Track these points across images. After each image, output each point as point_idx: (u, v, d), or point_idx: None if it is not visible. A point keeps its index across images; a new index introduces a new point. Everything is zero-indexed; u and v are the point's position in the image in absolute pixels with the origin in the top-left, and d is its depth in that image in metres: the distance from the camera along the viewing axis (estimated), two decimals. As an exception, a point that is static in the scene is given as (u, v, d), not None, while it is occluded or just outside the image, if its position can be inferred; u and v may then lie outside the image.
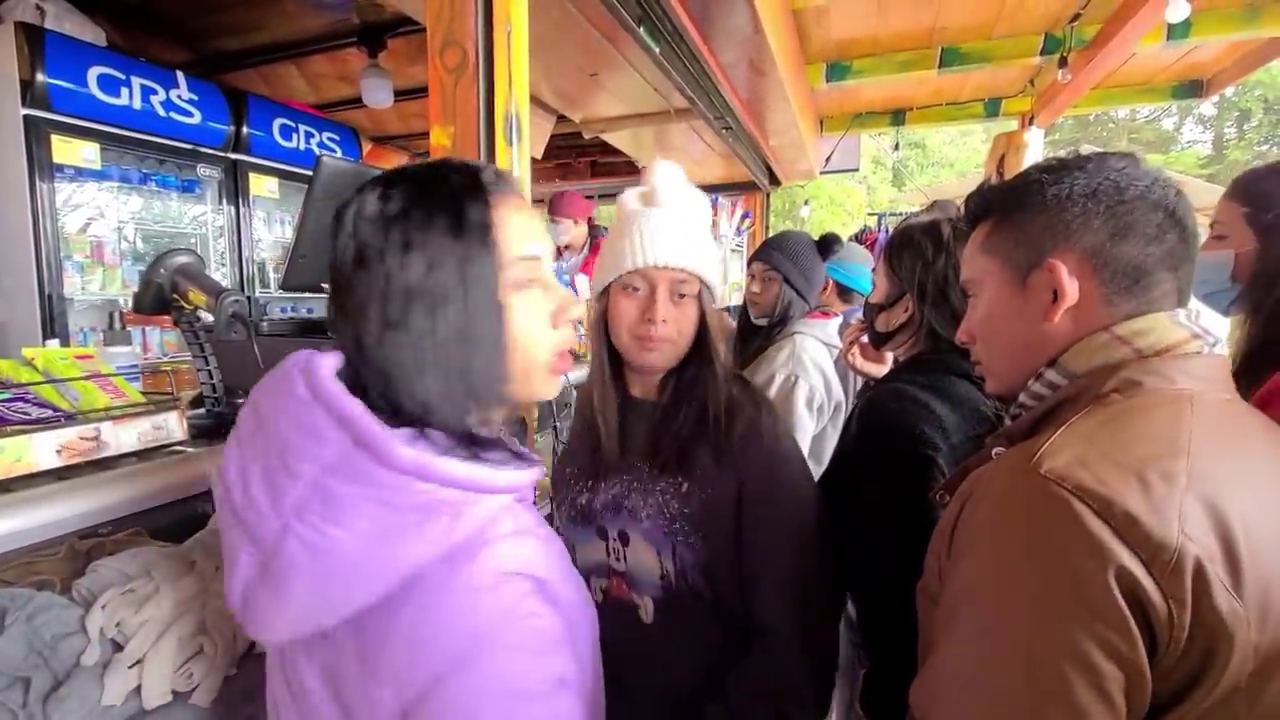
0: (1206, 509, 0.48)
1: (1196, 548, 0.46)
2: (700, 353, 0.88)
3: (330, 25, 2.59)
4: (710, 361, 0.88)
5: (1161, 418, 0.53)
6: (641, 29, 1.72)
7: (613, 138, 3.07)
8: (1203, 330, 0.59)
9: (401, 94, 2.93)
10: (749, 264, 1.79)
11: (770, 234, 3.04)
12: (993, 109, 3.74)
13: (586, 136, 3.02)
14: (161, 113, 2.68)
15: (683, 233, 0.85)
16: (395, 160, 4.23)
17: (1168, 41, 2.61)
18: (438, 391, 0.49)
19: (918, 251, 0.97)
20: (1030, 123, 3.51)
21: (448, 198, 0.51)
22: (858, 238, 4.16)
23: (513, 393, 0.55)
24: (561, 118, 2.88)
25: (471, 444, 0.50)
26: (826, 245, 1.79)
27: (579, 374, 1.70)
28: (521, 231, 0.54)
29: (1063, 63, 2.71)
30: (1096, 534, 0.47)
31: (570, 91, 2.48)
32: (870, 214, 8.29)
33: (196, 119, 2.82)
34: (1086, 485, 0.48)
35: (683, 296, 0.85)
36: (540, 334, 0.56)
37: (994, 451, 0.63)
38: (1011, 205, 0.65)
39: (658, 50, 1.86)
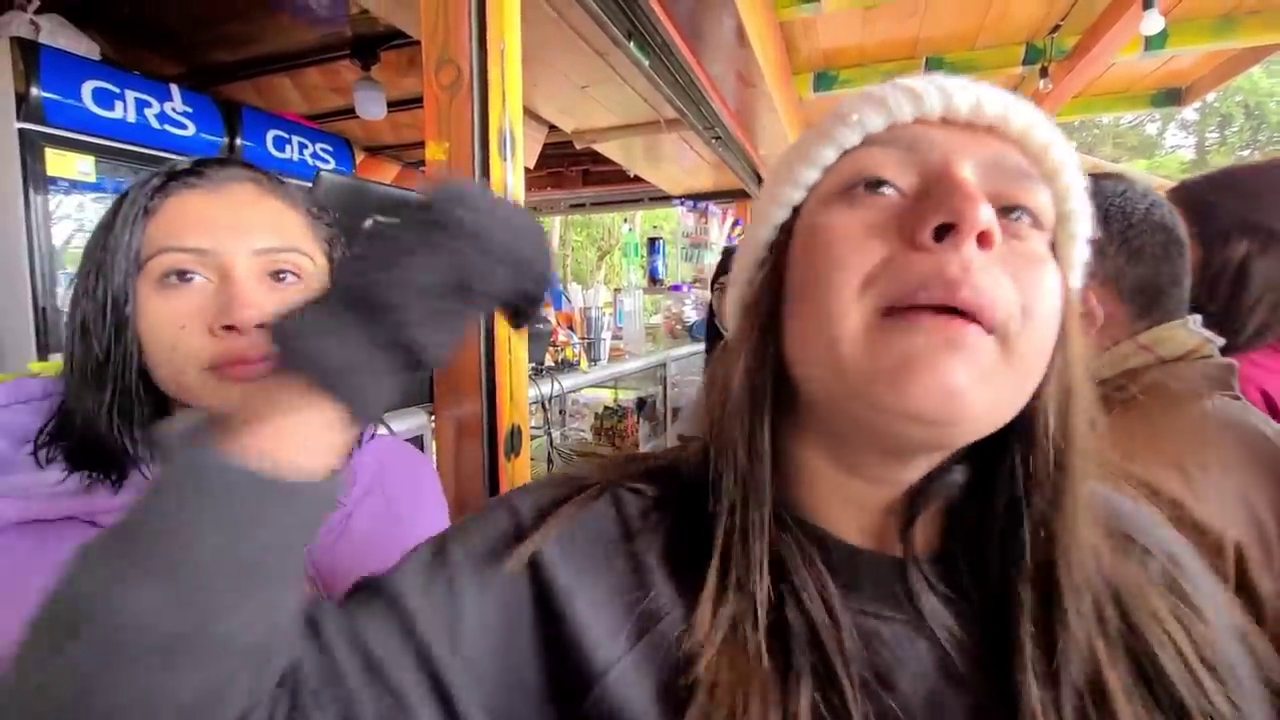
0: (1239, 497, 0.53)
1: (1236, 532, 0.51)
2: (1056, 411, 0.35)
3: (323, 38, 2.61)
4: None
5: (1188, 415, 0.59)
6: (631, 43, 1.76)
7: (604, 147, 3.10)
8: (1211, 336, 0.64)
9: (394, 105, 2.95)
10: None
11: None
12: (977, 117, 3.80)
13: (578, 146, 3.05)
14: (156, 125, 2.69)
15: (1027, 105, 0.37)
16: (388, 170, 4.25)
17: (1145, 52, 2.67)
18: (73, 384, 0.49)
19: None
20: (1014, 130, 3.57)
21: (135, 184, 0.51)
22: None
23: (174, 392, 0.50)
24: (553, 128, 2.91)
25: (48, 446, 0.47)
26: None
27: (579, 379, 1.72)
28: (191, 222, 0.49)
29: (1044, 73, 2.77)
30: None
31: (562, 103, 2.51)
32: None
33: (190, 131, 2.84)
34: (1133, 473, 0.52)
35: (1017, 217, 0.34)
36: (175, 337, 0.48)
37: None
38: None
39: (647, 63, 1.89)
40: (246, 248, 0.50)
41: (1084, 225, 0.37)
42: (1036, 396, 0.34)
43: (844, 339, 0.32)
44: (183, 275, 0.48)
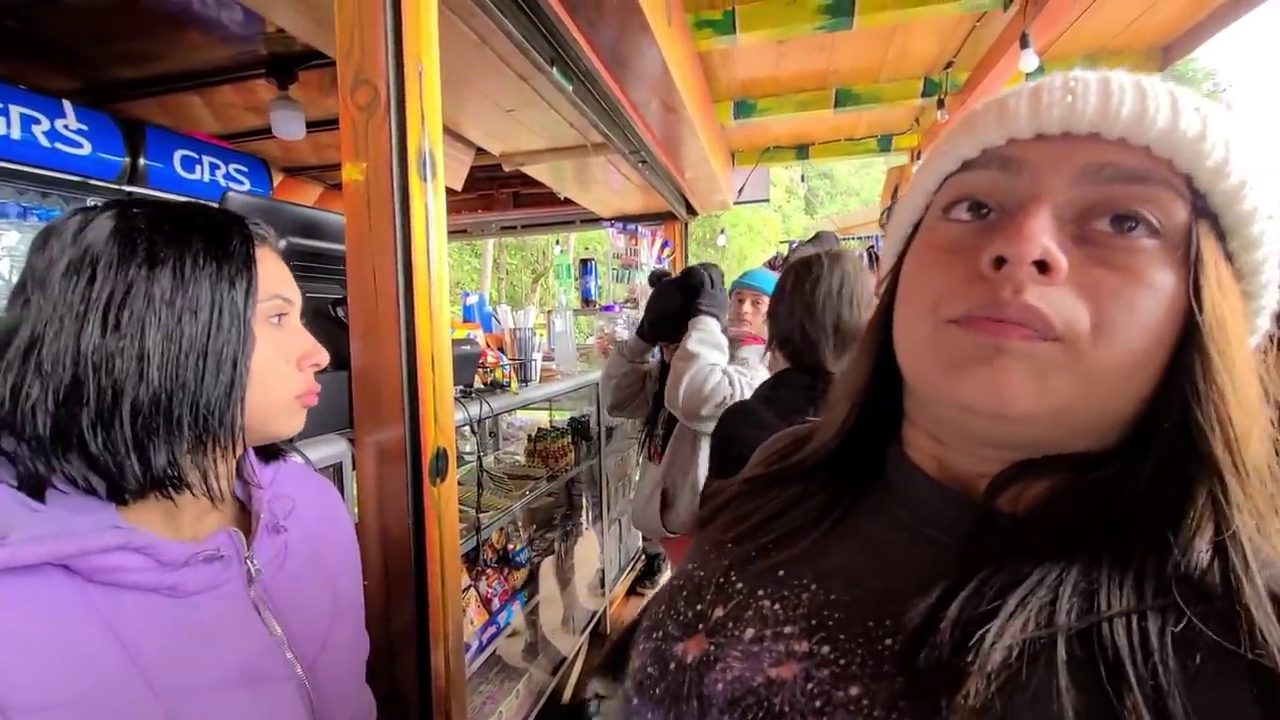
0: None
1: None
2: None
3: (236, 56, 2.52)
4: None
5: None
6: (554, 69, 1.80)
7: (533, 170, 3.12)
8: None
9: (316, 125, 2.87)
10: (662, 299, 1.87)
11: (690, 261, 3.15)
12: (885, 144, 4.07)
13: (507, 169, 3.06)
14: (45, 143, 2.51)
15: (1145, 89, 0.33)
16: (309, 192, 4.11)
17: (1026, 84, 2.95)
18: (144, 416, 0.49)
19: (784, 279, 1.13)
20: (918, 157, 3.84)
21: (209, 224, 0.53)
22: (771, 264, 4.37)
23: (246, 422, 0.54)
24: (481, 151, 2.91)
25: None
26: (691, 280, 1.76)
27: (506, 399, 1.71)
28: (276, 273, 0.58)
29: (940, 104, 3.01)
30: None
31: (488, 126, 2.52)
32: (783, 240, 8.70)
33: (86, 150, 2.67)
34: None
35: (1129, 227, 0.32)
36: (282, 370, 0.57)
37: None
38: None
39: (570, 89, 1.93)
40: (297, 299, 0.60)
41: (1269, 230, 0.32)
42: (1165, 410, 0.32)
43: (916, 342, 0.37)
44: (279, 318, 0.58)
